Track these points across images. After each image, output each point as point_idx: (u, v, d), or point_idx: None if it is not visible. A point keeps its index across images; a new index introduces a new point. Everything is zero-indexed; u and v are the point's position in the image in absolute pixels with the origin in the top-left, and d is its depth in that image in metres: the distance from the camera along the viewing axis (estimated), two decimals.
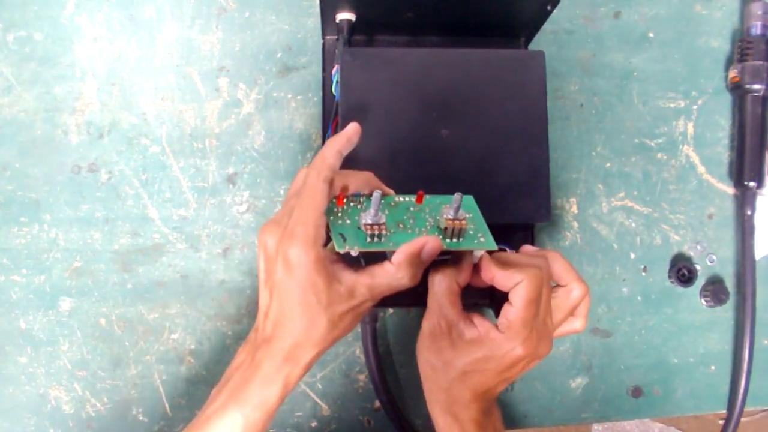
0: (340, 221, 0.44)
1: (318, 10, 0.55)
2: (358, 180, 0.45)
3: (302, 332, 0.42)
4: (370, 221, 0.43)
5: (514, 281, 0.43)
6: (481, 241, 0.45)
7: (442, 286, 0.46)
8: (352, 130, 0.46)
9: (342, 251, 0.43)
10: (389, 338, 0.61)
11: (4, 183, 0.60)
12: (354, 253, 0.43)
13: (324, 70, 0.59)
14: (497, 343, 0.44)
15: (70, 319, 0.59)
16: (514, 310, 0.43)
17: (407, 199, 0.46)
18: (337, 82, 0.55)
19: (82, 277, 0.59)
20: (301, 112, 0.62)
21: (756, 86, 0.62)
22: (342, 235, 0.43)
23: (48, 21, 0.61)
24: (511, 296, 0.44)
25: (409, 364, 0.60)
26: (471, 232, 0.45)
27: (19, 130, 0.60)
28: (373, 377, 0.58)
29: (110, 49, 0.62)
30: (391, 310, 0.61)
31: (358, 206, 0.45)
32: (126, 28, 0.62)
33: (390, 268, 0.43)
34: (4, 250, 0.59)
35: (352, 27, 0.56)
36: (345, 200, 0.44)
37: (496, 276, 0.44)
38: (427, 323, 0.46)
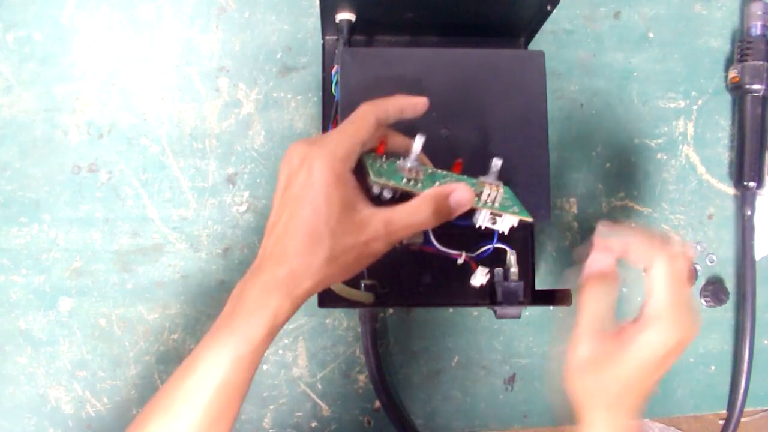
0: (377, 164, 0.44)
1: (318, 10, 0.55)
2: (403, 140, 0.45)
3: (300, 257, 0.40)
4: (410, 165, 0.43)
5: (652, 257, 0.42)
6: (515, 210, 0.45)
7: (600, 305, 0.43)
8: (422, 102, 0.45)
9: (378, 182, 0.42)
10: (389, 338, 0.61)
11: (4, 183, 0.60)
12: (387, 191, 0.43)
13: (324, 70, 0.59)
14: (653, 336, 0.41)
15: (70, 319, 0.59)
16: (657, 295, 0.41)
17: (445, 171, 0.46)
18: (337, 82, 0.55)
19: (82, 277, 0.59)
20: (301, 112, 0.62)
21: (756, 86, 0.62)
22: (380, 169, 0.43)
23: (48, 21, 0.61)
24: (650, 282, 0.42)
25: (409, 364, 0.60)
26: (506, 203, 0.45)
27: (19, 130, 0.60)
28: (373, 377, 0.58)
29: (110, 49, 0.62)
30: (391, 310, 0.61)
31: (397, 161, 0.45)
32: (126, 28, 0.62)
33: (413, 203, 0.42)
34: (4, 250, 0.59)
35: (352, 27, 0.56)
36: (384, 152, 0.44)
37: (632, 246, 0.42)
38: (584, 347, 0.43)
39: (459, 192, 0.42)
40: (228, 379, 0.40)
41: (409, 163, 0.44)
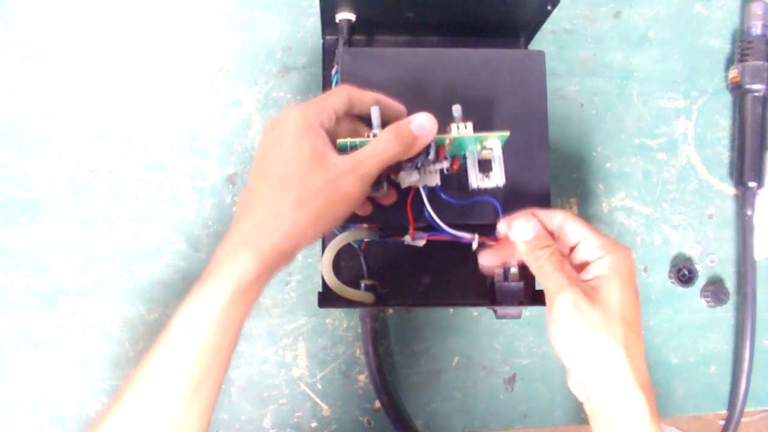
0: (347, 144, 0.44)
1: (318, 10, 0.55)
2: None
3: (266, 206, 0.40)
4: (374, 132, 0.45)
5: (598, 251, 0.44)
6: (487, 135, 0.46)
7: (547, 259, 0.44)
8: (398, 109, 0.46)
9: (345, 144, 0.43)
10: (389, 338, 0.61)
11: (4, 183, 0.60)
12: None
13: (324, 70, 0.59)
14: (610, 259, 0.43)
15: (69, 319, 0.59)
16: (585, 234, 0.44)
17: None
18: (337, 82, 0.55)
19: (81, 277, 0.59)
20: None
21: (756, 86, 0.62)
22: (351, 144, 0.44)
23: (48, 21, 0.61)
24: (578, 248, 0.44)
25: (409, 364, 0.60)
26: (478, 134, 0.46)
27: (19, 130, 0.60)
28: (373, 377, 0.58)
29: (110, 48, 0.62)
30: (390, 310, 0.61)
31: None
32: (126, 28, 0.62)
33: (377, 137, 0.43)
34: (4, 249, 0.59)
35: (352, 27, 0.56)
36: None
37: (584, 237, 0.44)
38: (568, 295, 0.42)
39: (420, 117, 0.43)
40: (203, 345, 0.39)
41: (374, 131, 0.45)
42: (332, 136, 0.44)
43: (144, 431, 0.39)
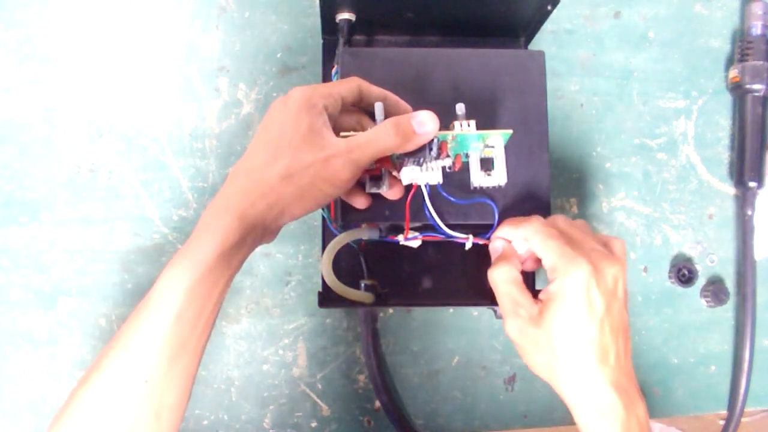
0: None
1: (318, 10, 0.55)
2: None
3: (254, 174, 0.41)
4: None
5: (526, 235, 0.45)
6: (489, 133, 0.46)
7: (505, 276, 0.45)
8: (407, 107, 0.46)
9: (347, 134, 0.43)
10: (389, 338, 0.61)
11: (4, 183, 0.60)
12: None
13: (324, 70, 0.59)
14: (563, 282, 0.42)
15: (70, 319, 0.59)
16: (543, 257, 0.44)
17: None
18: None
19: (82, 277, 0.59)
20: None
21: (756, 86, 0.62)
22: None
23: (48, 21, 0.61)
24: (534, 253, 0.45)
25: (409, 364, 0.60)
26: (480, 131, 0.46)
27: (19, 130, 0.60)
28: (373, 378, 0.58)
29: (110, 49, 0.62)
30: (391, 310, 0.61)
31: None
32: (126, 28, 0.62)
33: (377, 126, 0.43)
34: (4, 250, 0.59)
35: (352, 27, 0.56)
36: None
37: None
38: (514, 322, 0.44)
39: (421, 114, 0.43)
40: (182, 310, 0.39)
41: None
42: (336, 125, 0.44)
43: (122, 396, 0.39)
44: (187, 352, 0.40)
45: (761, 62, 0.62)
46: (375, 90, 0.45)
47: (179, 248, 0.41)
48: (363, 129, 0.46)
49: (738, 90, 0.64)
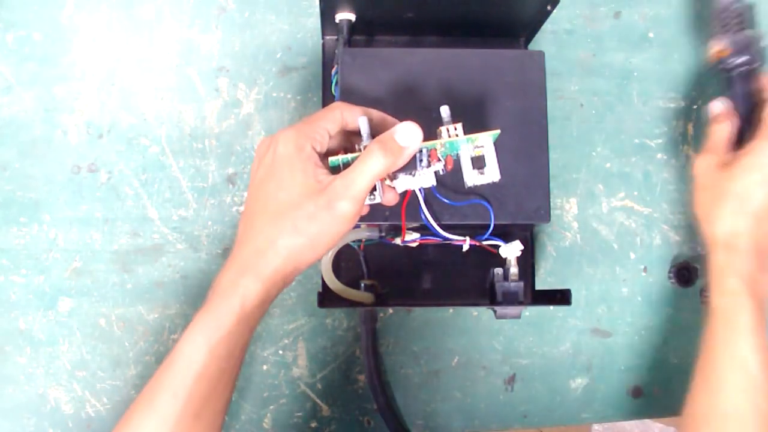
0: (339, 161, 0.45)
1: (318, 10, 0.55)
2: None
3: (264, 233, 0.41)
4: (364, 144, 0.44)
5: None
6: (477, 135, 0.46)
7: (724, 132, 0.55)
8: (393, 123, 0.46)
9: (336, 162, 0.43)
10: (389, 338, 0.60)
11: (4, 183, 0.60)
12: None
13: (324, 70, 0.59)
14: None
15: (69, 319, 0.59)
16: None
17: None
18: (336, 82, 0.55)
19: (81, 277, 0.59)
20: (301, 112, 0.62)
21: (741, 59, 0.57)
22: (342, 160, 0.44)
23: (48, 21, 0.61)
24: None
25: (409, 364, 0.60)
26: (468, 134, 0.46)
27: (19, 130, 0.60)
28: (370, 378, 0.58)
29: (110, 49, 0.62)
30: (391, 310, 0.61)
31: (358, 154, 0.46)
32: (126, 28, 0.62)
33: (362, 153, 0.42)
34: (4, 250, 0.59)
35: (352, 27, 0.56)
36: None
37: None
38: (711, 157, 0.55)
39: (403, 127, 0.42)
40: (205, 368, 0.40)
41: (364, 143, 0.44)
42: (325, 153, 0.44)
43: None
44: (211, 408, 0.42)
45: (742, 33, 0.57)
46: (357, 110, 0.45)
47: (198, 309, 0.42)
48: (351, 146, 0.46)
49: (723, 68, 0.58)
